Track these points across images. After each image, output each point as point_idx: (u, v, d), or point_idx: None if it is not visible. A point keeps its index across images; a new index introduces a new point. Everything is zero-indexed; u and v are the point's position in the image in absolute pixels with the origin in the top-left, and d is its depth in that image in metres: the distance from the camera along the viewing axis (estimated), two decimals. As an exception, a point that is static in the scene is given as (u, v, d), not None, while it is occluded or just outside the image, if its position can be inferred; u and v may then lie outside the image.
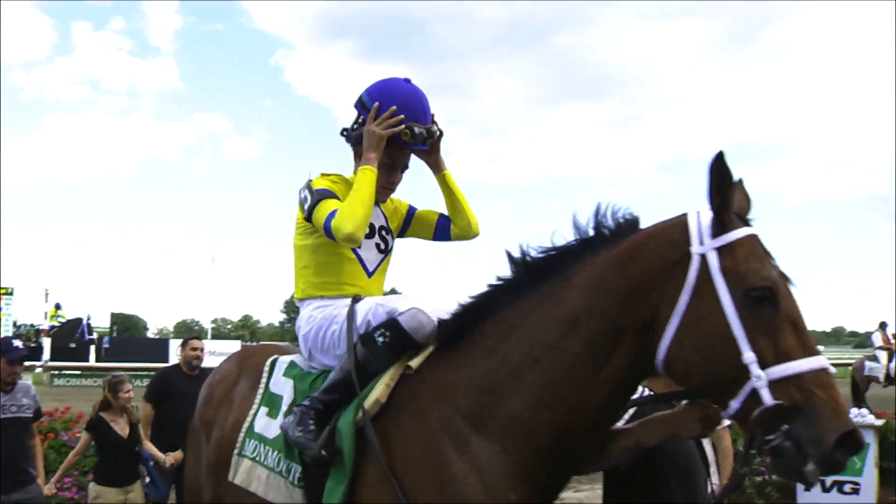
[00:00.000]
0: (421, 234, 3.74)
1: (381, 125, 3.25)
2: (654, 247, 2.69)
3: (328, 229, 3.20)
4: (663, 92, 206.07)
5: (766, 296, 2.47)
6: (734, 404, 2.48)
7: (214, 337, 46.89)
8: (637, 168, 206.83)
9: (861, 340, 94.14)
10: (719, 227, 2.58)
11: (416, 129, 3.34)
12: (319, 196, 3.29)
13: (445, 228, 3.68)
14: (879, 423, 9.53)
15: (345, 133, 3.54)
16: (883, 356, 18.34)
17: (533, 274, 2.97)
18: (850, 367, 19.84)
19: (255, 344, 12.07)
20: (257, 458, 3.37)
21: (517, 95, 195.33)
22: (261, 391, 3.52)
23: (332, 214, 3.20)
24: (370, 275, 3.49)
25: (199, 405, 3.89)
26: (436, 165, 3.57)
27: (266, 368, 3.58)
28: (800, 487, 7.81)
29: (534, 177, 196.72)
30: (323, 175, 3.45)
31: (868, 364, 18.46)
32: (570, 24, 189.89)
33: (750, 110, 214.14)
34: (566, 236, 2.95)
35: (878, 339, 19.06)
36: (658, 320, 2.61)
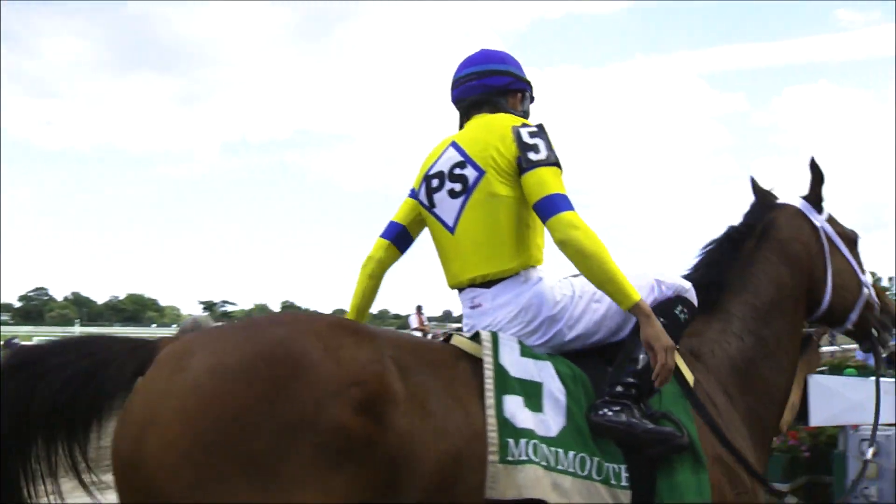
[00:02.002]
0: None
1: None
2: (797, 233, 3.44)
3: (561, 210, 2.61)
4: (234, 73, 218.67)
5: (856, 241, 3.57)
6: (852, 316, 3.46)
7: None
8: (202, 146, 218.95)
9: (402, 322, 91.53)
10: (818, 208, 3.53)
11: None
12: (558, 161, 2.72)
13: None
14: None
15: (530, 90, 3.01)
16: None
17: (738, 256, 3.31)
18: None
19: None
20: (545, 463, 2.43)
21: (82, 57, 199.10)
22: (491, 381, 2.49)
23: (570, 204, 2.65)
24: (452, 231, 2.78)
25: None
26: None
27: (488, 351, 2.54)
28: None
29: (94, 144, 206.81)
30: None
31: None
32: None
33: (315, 100, 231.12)
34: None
35: (414, 322, 19.60)
36: (816, 279, 3.41)
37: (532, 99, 3.08)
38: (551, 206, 2.63)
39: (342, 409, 2.15)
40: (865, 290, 3.46)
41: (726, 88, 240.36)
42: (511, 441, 2.44)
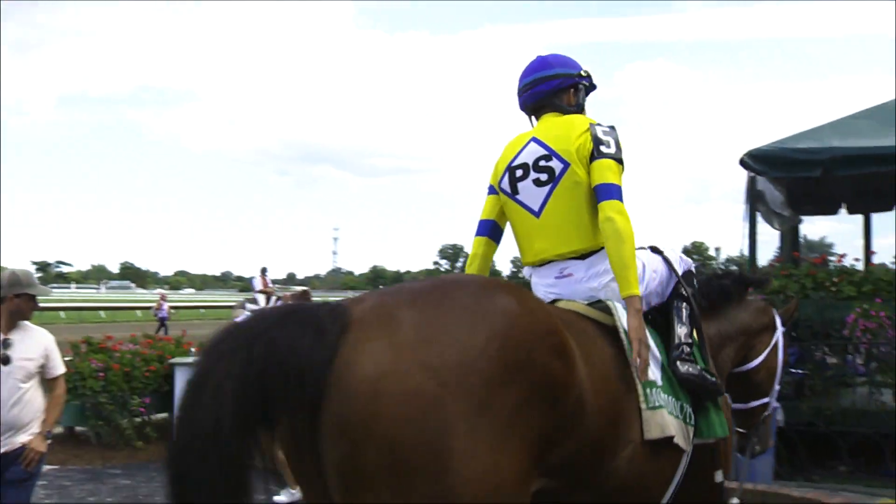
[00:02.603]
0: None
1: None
2: (765, 317, 4.20)
3: (614, 198, 3.13)
4: (71, 21, 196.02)
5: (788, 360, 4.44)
6: (753, 403, 4.12)
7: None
8: (37, 98, 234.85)
9: (246, 284, 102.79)
10: (782, 325, 4.28)
11: None
12: (622, 159, 3.26)
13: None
14: None
15: (581, 81, 3.52)
16: (261, 299, 18.98)
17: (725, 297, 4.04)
18: (232, 309, 18.32)
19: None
20: (667, 408, 3.06)
21: None
22: (626, 341, 3.01)
23: (621, 195, 3.19)
24: (537, 215, 3.31)
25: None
26: None
27: (622, 315, 3.06)
28: None
29: None
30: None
31: (248, 306, 16.20)
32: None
33: (159, 55, 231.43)
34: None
35: (258, 284, 20.19)
36: (755, 350, 4.09)
37: (589, 88, 3.58)
38: (607, 192, 3.11)
39: (548, 354, 2.45)
40: (773, 398, 4.31)
41: None
42: (648, 390, 2.98)
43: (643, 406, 2.96)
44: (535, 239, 3.36)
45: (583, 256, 3.26)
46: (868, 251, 11.73)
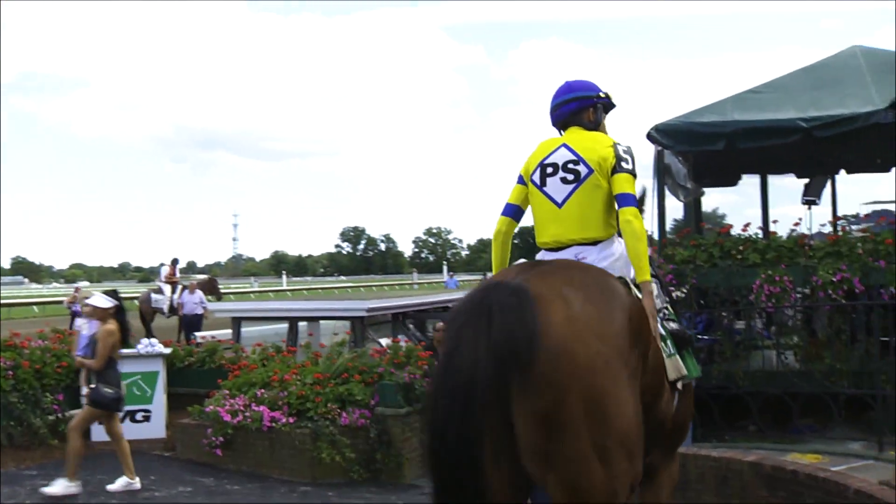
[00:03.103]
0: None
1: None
2: None
3: (631, 205, 3.90)
4: None
5: None
6: None
7: None
8: None
9: (145, 275, 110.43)
10: None
11: None
12: (636, 174, 4.01)
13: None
14: (167, 351, 11.43)
15: (599, 101, 4.27)
16: (167, 289, 19.73)
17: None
18: (137, 300, 21.31)
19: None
20: (676, 354, 3.95)
21: None
22: None
23: (636, 202, 3.98)
24: (560, 206, 4.04)
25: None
26: None
27: (634, 289, 3.83)
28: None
29: None
30: None
31: (154, 296, 20.02)
32: None
33: (43, 41, 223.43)
34: None
35: (165, 273, 20.34)
36: None
37: (608, 106, 4.33)
38: (626, 200, 3.91)
39: (643, 321, 3.54)
40: None
41: (466, 41, 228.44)
42: (662, 343, 3.82)
43: (664, 355, 3.83)
44: (551, 224, 4.08)
45: (594, 243, 4.01)
46: (767, 220, 12.20)
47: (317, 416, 9.30)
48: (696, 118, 8.80)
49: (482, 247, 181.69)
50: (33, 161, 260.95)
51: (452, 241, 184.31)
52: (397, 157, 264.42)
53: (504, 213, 4.35)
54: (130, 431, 10.45)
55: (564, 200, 4.04)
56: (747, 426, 8.23)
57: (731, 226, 9.09)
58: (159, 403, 10.89)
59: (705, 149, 8.88)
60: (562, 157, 4.07)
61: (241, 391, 9.99)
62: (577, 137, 4.13)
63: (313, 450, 9.06)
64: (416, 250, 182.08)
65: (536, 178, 4.14)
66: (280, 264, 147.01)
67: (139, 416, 10.74)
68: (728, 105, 8.92)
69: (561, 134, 4.27)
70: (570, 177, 4.03)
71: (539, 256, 4.16)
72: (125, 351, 11.16)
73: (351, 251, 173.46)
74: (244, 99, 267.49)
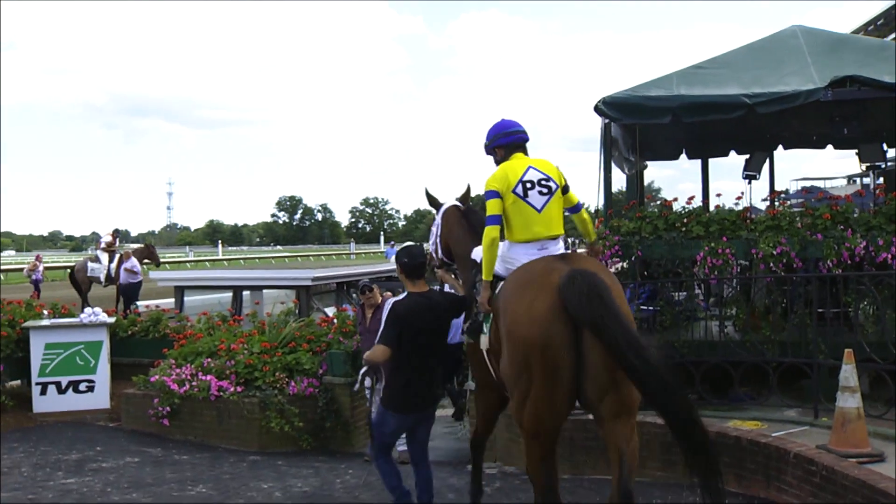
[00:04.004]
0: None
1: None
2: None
3: (583, 207, 5.79)
4: None
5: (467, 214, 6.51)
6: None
7: None
8: None
9: (77, 244, 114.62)
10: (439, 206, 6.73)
11: None
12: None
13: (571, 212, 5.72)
14: (111, 320, 11.46)
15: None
16: (105, 258, 19.68)
17: None
18: (72, 269, 21.42)
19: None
20: None
21: None
22: None
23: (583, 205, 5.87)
24: (539, 211, 5.33)
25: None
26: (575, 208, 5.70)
27: None
28: (36, 394, 10.39)
29: None
30: None
31: (90, 265, 20.07)
32: None
33: None
34: None
35: (105, 241, 20.47)
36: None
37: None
38: (580, 206, 5.70)
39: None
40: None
41: (406, 10, 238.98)
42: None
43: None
44: (534, 225, 5.34)
45: (556, 238, 5.41)
46: (707, 194, 12.46)
47: (265, 386, 9.33)
48: (643, 92, 8.92)
49: (419, 217, 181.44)
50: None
51: (389, 212, 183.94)
52: (335, 126, 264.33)
53: (495, 223, 5.33)
54: (74, 402, 10.40)
55: (542, 207, 5.33)
56: (689, 395, 8.46)
57: (675, 198, 9.29)
58: (103, 373, 10.76)
59: (652, 122, 9.03)
60: (535, 176, 5.37)
61: (188, 360, 9.95)
62: (535, 162, 5.47)
63: (262, 419, 9.09)
64: (353, 220, 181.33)
65: (519, 191, 5.32)
66: (216, 233, 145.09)
67: (83, 387, 10.62)
68: (674, 80, 9.06)
69: (495, 153, 5.64)
70: (545, 190, 5.35)
71: (521, 248, 5.35)
72: (68, 320, 11.04)
73: (287, 221, 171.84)
74: (178, 66, 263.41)
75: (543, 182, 5.35)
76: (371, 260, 60.61)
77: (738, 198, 9.30)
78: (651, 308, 9.37)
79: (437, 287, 6.52)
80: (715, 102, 8.54)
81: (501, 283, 5.22)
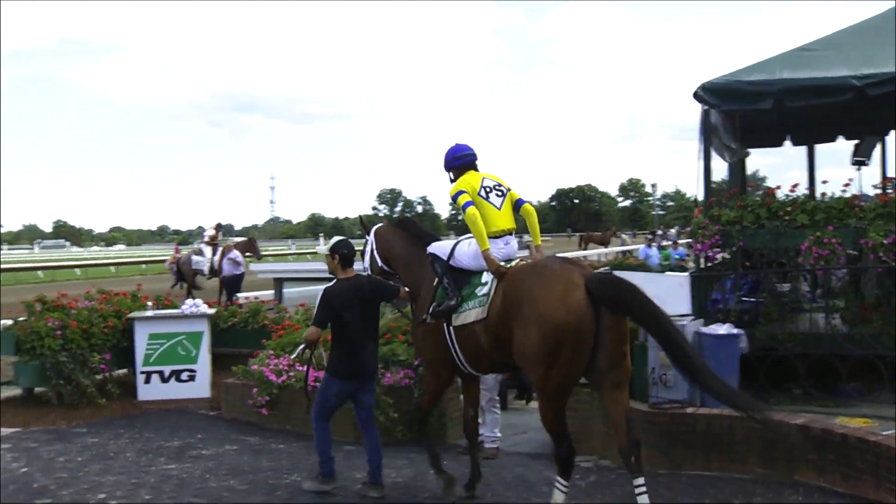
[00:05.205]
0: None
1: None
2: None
3: (526, 202, 6.82)
4: None
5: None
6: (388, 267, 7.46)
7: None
8: None
9: (183, 238, 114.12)
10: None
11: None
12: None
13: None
14: (211, 311, 11.75)
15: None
16: (208, 251, 19.98)
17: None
18: (176, 262, 21.34)
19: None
20: None
21: None
22: None
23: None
24: (499, 208, 6.61)
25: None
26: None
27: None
28: (140, 382, 10.81)
29: None
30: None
31: (195, 258, 20.42)
32: None
33: (81, 5, 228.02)
34: None
35: (208, 235, 20.53)
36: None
37: None
38: (524, 201, 6.74)
39: None
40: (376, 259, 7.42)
41: (505, 2, 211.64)
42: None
43: None
44: (498, 221, 6.59)
45: (512, 233, 6.70)
46: (813, 181, 12.01)
47: (360, 377, 9.34)
48: (743, 76, 8.62)
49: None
50: (73, 126, 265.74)
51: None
52: (433, 119, 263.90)
53: (472, 205, 6.45)
54: (176, 390, 10.67)
55: (500, 206, 6.64)
56: (793, 389, 8.16)
57: (778, 186, 8.95)
58: (204, 363, 11.01)
59: (752, 108, 8.71)
60: (490, 183, 6.71)
61: (286, 351, 10.07)
62: (486, 175, 6.79)
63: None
64: (454, 213, 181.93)
65: (482, 194, 6.60)
66: (317, 226, 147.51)
67: (184, 376, 10.91)
68: (777, 63, 8.72)
69: (449, 171, 6.91)
70: (500, 193, 6.70)
71: (489, 242, 6.37)
72: (171, 311, 11.35)
73: (388, 213, 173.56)
74: (280, 62, 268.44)
75: (497, 187, 6.70)
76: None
77: (846, 185, 8.89)
78: (753, 300, 9.06)
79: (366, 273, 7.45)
80: (821, 85, 8.18)
81: (482, 273, 6.48)
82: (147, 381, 10.83)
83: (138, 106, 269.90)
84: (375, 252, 7.41)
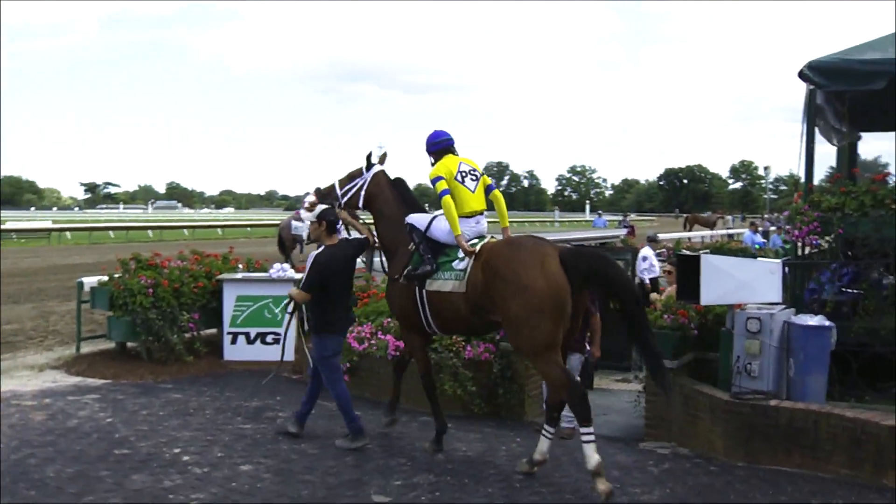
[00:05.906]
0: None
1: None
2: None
3: (496, 188, 7.68)
4: None
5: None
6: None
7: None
8: (78, 20, 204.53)
9: (291, 203, 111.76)
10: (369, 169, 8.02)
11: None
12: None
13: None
14: (298, 276, 10.92)
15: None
16: (308, 216, 58.85)
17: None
18: (278, 227, 23.06)
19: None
20: None
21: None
22: None
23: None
24: (473, 191, 7.31)
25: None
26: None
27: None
28: (227, 343, 11.14)
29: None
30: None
31: (294, 223, 21.26)
32: None
33: None
34: None
35: (309, 200, 17.49)
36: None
37: None
38: (493, 186, 7.58)
39: None
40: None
41: None
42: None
43: None
44: (471, 202, 7.29)
45: (482, 213, 7.36)
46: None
47: (441, 349, 9.31)
48: (854, 55, 8.14)
49: (626, 187, 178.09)
50: (189, 91, 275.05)
51: (596, 181, 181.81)
52: (542, 92, 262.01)
53: (448, 194, 7.13)
54: (261, 352, 10.83)
55: (474, 189, 7.33)
56: (890, 388, 7.73)
57: (888, 173, 8.44)
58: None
59: (863, 88, 8.22)
60: (466, 167, 7.38)
61: (369, 319, 10.10)
62: (463, 160, 7.43)
63: (435, 381, 9.08)
64: (560, 188, 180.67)
65: (459, 178, 7.27)
66: (422, 197, 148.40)
67: (269, 339, 11.08)
68: (892, 41, 8.21)
69: (430, 155, 7.53)
70: (474, 178, 7.39)
71: (462, 221, 7.12)
72: (258, 275, 11.52)
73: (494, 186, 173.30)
74: (390, 32, 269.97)
75: (472, 172, 7.38)
76: (572, 228, 60.01)
77: (965, 173, 8.33)
78: (853, 291, 8.61)
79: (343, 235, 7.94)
80: (939, 66, 7.66)
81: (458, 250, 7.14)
82: (233, 341, 11.06)
83: (251, 72, 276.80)
84: (363, 190, 7.87)
